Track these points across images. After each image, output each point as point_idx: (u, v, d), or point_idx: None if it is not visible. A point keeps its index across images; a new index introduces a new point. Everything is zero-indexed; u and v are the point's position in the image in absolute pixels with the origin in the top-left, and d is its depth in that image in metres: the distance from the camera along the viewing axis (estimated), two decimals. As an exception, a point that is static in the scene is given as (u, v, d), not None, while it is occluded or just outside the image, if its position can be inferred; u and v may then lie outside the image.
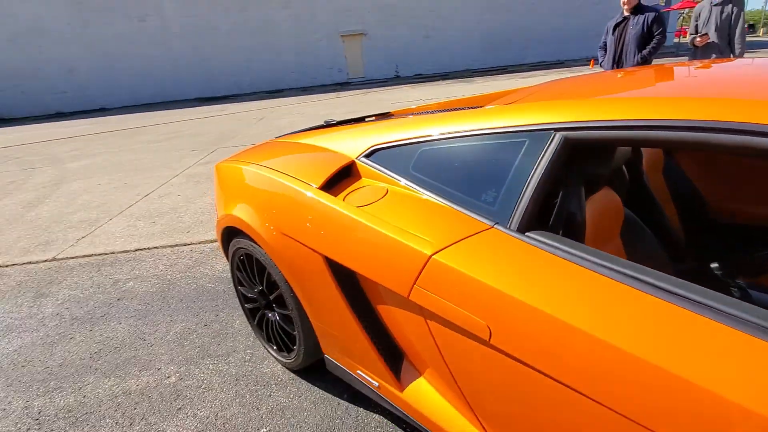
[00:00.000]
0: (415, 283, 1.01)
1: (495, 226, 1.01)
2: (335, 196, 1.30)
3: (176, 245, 3.31)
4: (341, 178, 1.41)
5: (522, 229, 0.97)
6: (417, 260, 1.01)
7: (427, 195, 1.18)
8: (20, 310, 2.57)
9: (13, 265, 3.23)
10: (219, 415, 1.66)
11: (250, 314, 1.99)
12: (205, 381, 1.84)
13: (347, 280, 1.30)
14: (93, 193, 5.07)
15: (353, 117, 2.34)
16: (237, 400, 1.72)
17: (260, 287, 1.80)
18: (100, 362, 2.03)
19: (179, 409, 1.71)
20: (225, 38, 19.36)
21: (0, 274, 3.08)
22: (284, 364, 1.84)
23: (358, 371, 1.44)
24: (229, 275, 2.72)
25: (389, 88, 15.80)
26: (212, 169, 5.59)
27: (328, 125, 2.30)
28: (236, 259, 1.84)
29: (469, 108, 1.33)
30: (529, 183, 0.99)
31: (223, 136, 8.45)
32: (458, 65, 20.16)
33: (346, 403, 1.66)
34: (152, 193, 4.83)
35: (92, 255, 3.27)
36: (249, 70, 20.06)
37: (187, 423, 1.63)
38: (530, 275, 0.88)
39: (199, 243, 3.30)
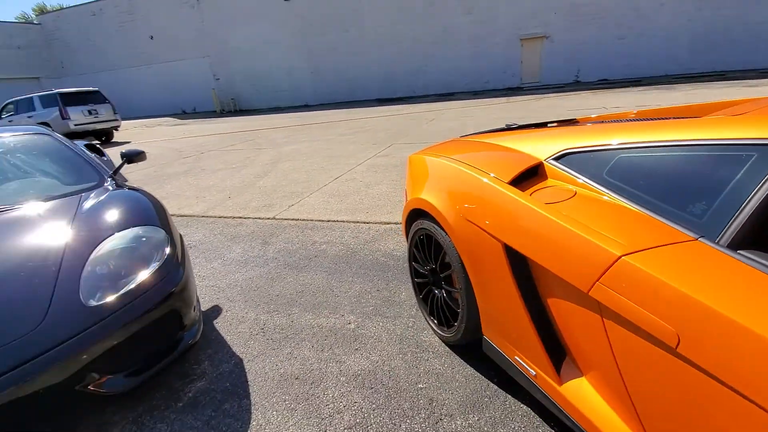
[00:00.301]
0: (598, 280, 1.04)
1: (700, 239, 0.96)
2: (522, 191, 1.39)
3: (358, 222, 3.83)
4: (528, 177, 1.48)
5: (734, 246, 0.91)
6: (604, 258, 1.04)
7: (620, 200, 1.17)
8: (253, 250, 3.38)
9: (249, 218, 4.23)
10: (385, 363, 1.93)
11: (418, 288, 2.23)
12: (376, 334, 2.15)
13: (522, 269, 1.38)
14: (299, 172, 6.17)
15: (534, 122, 2.36)
16: (400, 356, 1.97)
17: (432, 265, 2.00)
18: (302, 300, 2.55)
19: (356, 349, 2.05)
20: (408, 45, 20.70)
21: (240, 223, 4.09)
22: (442, 337, 2.02)
23: (516, 357, 1.51)
24: (399, 253, 3.05)
25: (566, 94, 14.62)
26: (389, 161, 6.17)
27: (510, 128, 2.37)
28: (416, 238, 2.09)
29: (679, 117, 1.25)
30: (750, 200, 0.91)
31: (398, 133, 9.16)
32: (656, 70, 17.32)
33: (495, 387, 1.74)
34: (341, 176, 5.62)
35: (298, 219, 4.04)
36: (424, 74, 21.05)
37: (362, 362, 1.95)
38: (736, 291, 0.83)
39: (376, 223, 3.75)
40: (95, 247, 1.82)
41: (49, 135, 2.88)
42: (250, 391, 1.84)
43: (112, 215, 2.06)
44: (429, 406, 1.66)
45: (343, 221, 3.87)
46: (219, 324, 2.38)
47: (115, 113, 13.93)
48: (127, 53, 26.95)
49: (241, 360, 2.05)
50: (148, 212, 2.14)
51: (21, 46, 27.73)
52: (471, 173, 1.61)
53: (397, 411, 1.65)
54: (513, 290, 1.39)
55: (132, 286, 1.72)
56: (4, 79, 25.89)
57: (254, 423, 1.66)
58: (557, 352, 1.35)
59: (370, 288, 2.62)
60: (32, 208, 2.16)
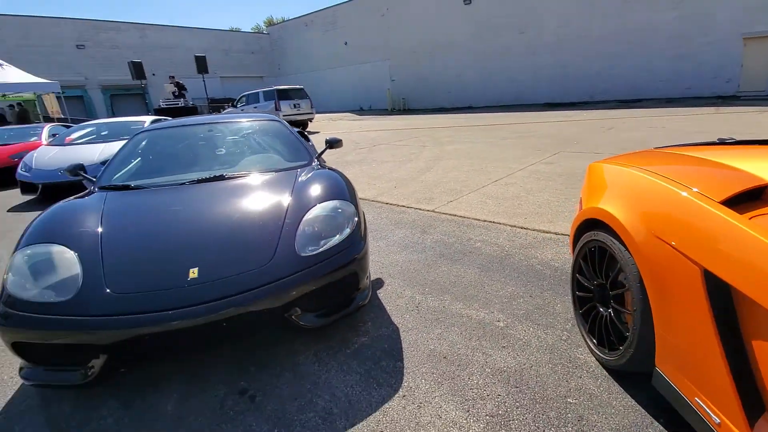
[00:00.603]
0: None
1: None
2: (739, 214, 1.19)
3: (514, 226, 3.73)
4: (747, 199, 1.26)
5: None
6: None
7: None
8: (413, 237, 3.65)
9: (411, 207, 4.55)
10: (533, 367, 1.89)
11: (579, 302, 2.09)
12: (525, 338, 2.11)
13: (722, 300, 1.19)
14: (459, 171, 6.29)
15: (762, 139, 1.93)
16: (549, 366, 1.90)
17: (601, 280, 1.86)
18: (455, 289, 2.66)
19: (503, 347, 2.05)
20: (592, 45, 18.62)
21: (403, 211, 4.43)
22: (600, 359, 1.87)
23: (697, 399, 1.31)
24: (557, 264, 2.88)
25: (810, 106, 11.12)
26: (553, 169, 5.76)
27: (724, 143, 2.01)
28: (585, 249, 1.96)
29: None
30: None
31: (567, 140, 8.43)
32: None
33: (661, 427, 1.54)
34: (500, 180, 5.52)
35: (456, 215, 4.16)
36: (607, 77, 18.66)
37: (508, 359, 1.95)
38: None
39: (534, 230, 3.60)
40: (306, 212, 2.26)
41: (279, 122, 3.63)
42: (404, 356, 2.03)
43: (319, 189, 2.50)
44: (578, 423, 1.58)
45: (500, 223, 3.83)
46: (381, 294, 2.67)
47: (311, 107, 16.43)
48: (326, 57, 31.20)
49: (397, 329, 2.28)
50: (343, 189, 2.53)
51: (254, 51, 34.82)
52: (670, 187, 1.44)
53: (541, 416, 1.62)
54: (707, 323, 1.21)
55: (329, 246, 2.08)
56: (241, 77, 32.83)
57: (405, 384, 1.84)
58: (754, 404, 1.14)
59: (523, 293, 2.56)
60: (266, 175, 2.79)
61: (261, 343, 2.18)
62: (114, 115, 25.22)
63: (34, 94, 16.69)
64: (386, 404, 1.73)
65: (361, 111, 28.05)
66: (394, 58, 27.05)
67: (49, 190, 6.13)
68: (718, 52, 15.75)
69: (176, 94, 14.10)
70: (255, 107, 16.15)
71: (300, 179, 2.64)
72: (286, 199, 2.39)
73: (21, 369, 1.82)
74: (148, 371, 2.03)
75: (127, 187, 2.67)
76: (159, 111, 13.53)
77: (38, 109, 17.19)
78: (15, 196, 6.69)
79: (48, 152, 6.64)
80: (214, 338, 1.86)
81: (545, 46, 20.19)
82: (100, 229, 2.10)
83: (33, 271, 1.85)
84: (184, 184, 2.67)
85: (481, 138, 9.94)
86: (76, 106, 24.17)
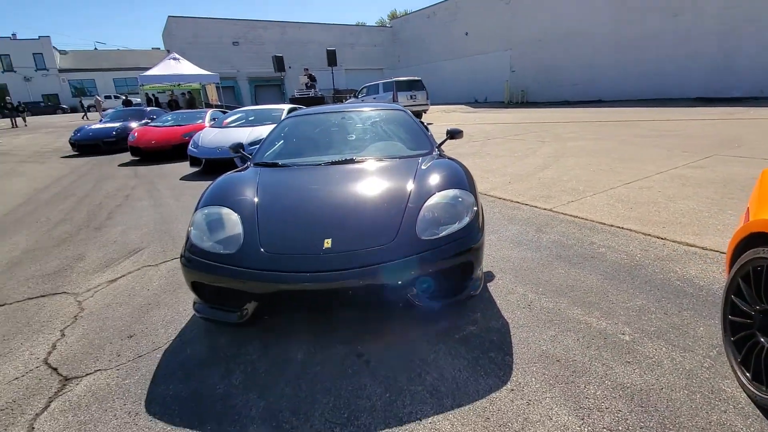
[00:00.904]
0: None
1: None
2: None
3: (649, 234, 3.31)
4: None
5: None
6: None
7: None
8: (527, 234, 3.50)
9: (526, 204, 4.35)
10: (663, 390, 1.69)
11: (732, 328, 1.79)
12: (656, 357, 1.90)
13: None
14: (582, 170, 5.76)
15: None
16: (685, 392, 1.68)
17: (766, 306, 1.57)
18: (572, 294, 2.50)
19: (627, 362, 1.88)
20: (764, 28, 15.09)
21: (517, 208, 4.25)
22: (754, 397, 1.59)
23: None
24: (703, 283, 2.49)
25: None
26: (704, 175, 4.91)
27: None
28: (748, 267, 1.67)
29: None
30: None
31: (724, 142, 7.07)
32: None
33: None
34: (633, 182, 4.91)
35: (577, 216, 3.85)
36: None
37: (633, 376, 1.78)
38: None
39: (674, 241, 3.15)
40: (427, 198, 2.34)
41: (404, 112, 3.77)
42: (513, 352, 2.00)
43: (440, 177, 2.56)
44: (718, 460, 1.38)
45: (630, 230, 3.43)
46: (491, 288, 2.64)
47: (427, 99, 16.53)
48: (445, 48, 30.93)
49: (507, 324, 2.24)
50: (464, 179, 2.55)
51: (376, 44, 36.17)
52: None
53: (671, 443, 1.46)
54: None
55: (447, 233, 2.13)
56: (364, 69, 34.45)
57: (514, 379, 1.81)
58: None
59: (655, 308, 2.29)
60: (391, 161, 2.95)
61: (375, 317, 2.35)
62: (256, 103, 28.78)
63: (200, 84, 19.94)
64: (493, 394, 1.73)
65: (475, 103, 27.28)
66: (516, 47, 25.57)
67: (210, 164, 7.33)
68: None
69: (308, 85, 15.47)
70: (374, 98, 16.86)
71: (422, 167, 2.73)
72: (408, 185, 2.50)
73: (194, 304, 2.27)
74: (284, 324, 2.35)
75: (275, 165, 3.07)
76: (293, 100, 15.03)
77: (202, 97, 20.51)
78: (185, 167, 8.14)
79: (210, 133, 7.92)
80: (339, 303, 2.07)
81: (704, 31, 17.01)
82: (256, 199, 2.47)
83: (209, 227, 2.28)
84: (320, 165, 2.97)
85: (610, 135, 8.91)
86: (228, 95, 28.14)
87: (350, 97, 19.76)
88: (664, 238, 3.21)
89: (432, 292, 2.11)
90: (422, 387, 1.80)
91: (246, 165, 3.27)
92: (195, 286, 2.17)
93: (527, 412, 1.63)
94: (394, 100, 15.78)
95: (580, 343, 2.03)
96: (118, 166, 9.07)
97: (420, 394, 1.76)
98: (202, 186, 6.53)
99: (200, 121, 10.56)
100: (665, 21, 18.21)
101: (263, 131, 7.62)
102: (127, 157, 10.08)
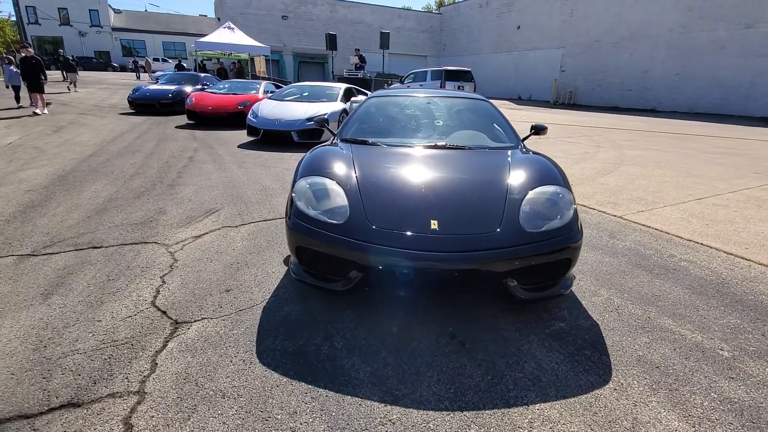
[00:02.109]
0: None
1: None
2: None
3: (731, 254, 3.22)
4: None
5: None
6: None
7: None
8: (600, 239, 3.45)
9: (594, 209, 4.27)
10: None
11: None
12: (761, 377, 1.87)
13: None
14: (647, 180, 5.59)
15: None
16: None
17: None
18: (660, 303, 2.47)
19: (731, 378, 1.86)
20: None
21: (586, 212, 4.19)
22: None
23: None
24: (749, 301, 2.42)
25: None
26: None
27: None
28: None
29: None
30: None
31: (802, 168, 6.68)
32: None
33: None
34: (705, 199, 4.74)
35: (650, 227, 3.76)
36: None
37: (740, 393, 1.77)
38: None
39: (760, 263, 3.05)
40: (527, 192, 2.34)
41: (489, 103, 3.75)
42: (609, 353, 2.01)
43: (536, 172, 2.56)
44: (843, 485, 1.37)
45: (711, 247, 3.34)
46: (573, 288, 2.63)
47: (474, 91, 16.25)
48: (494, 40, 30.14)
49: (597, 325, 2.24)
50: (559, 176, 2.53)
51: (423, 30, 35.56)
52: None
53: (790, 462, 1.45)
54: None
55: (550, 227, 2.14)
56: (407, 54, 34.03)
57: (615, 379, 1.83)
58: None
59: (752, 328, 2.24)
60: (482, 150, 2.96)
61: (464, 301, 2.40)
62: (299, 79, 28.97)
63: (249, 55, 20.20)
64: (597, 391, 1.76)
65: (519, 100, 26.59)
66: (569, 46, 24.65)
67: (268, 135, 7.50)
68: None
69: (357, 65, 15.44)
70: (421, 85, 16.70)
71: (514, 160, 2.73)
72: (504, 177, 2.50)
73: (291, 267, 2.38)
74: (376, 297, 2.43)
75: (365, 142, 3.12)
76: (340, 79, 15.07)
77: (249, 68, 20.79)
78: (240, 135, 8.35)
79: (269, 105, 8.07)
80: (441, 284, 2.12)
81: (781, 45, 15.92)
82: (354, 173, 2.53)
83: (315, 196, 2.36)
84: (411, 147, 3.00)
85: (671, 147, 8.56)
86: (273, 69, 28.40)
87: (392, 83, 19.62)
88: (749, 260, 3.11)
89: (529, 285, 2.14)
90: (522, 374, 1.85)
91: (332, 140, 3.34)
92: (298, 251, 2.27)
93: (635, 412, 1.65)
94: (442, 87, 15.58)
95: (678, 353, 2.02)
96: (175, 127, 9.37)
97: (522, 380, 1.81)
98: (260, 155, 6.83)
99: (254, 92, 10.74)
100: (735, 32, 17.14)
101: (320, 108, 7.72)
102: (181, 119, 10.39)
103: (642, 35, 20.59)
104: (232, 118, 9.68)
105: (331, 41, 16.10)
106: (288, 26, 30.09)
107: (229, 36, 16.85)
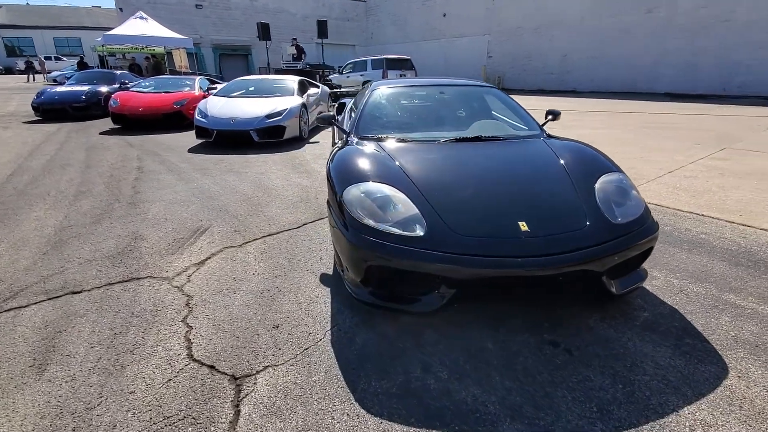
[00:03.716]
0: None
1: None
2: None
3: (734, 222, 3.46)
4: None
5: None
6: None
7: None
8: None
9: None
10: None
11: None
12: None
13: None
14: (616, 157, 5.91)
15: None
16: None
17: None
18: (713, 279, 2.54)
19: (819, 346, 1.93)
20: (736, 31, 16.29)
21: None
22: None
23: None
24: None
25: None
26: (734, 167, 5.20)
27: None
28: None
29: None
30: None
31: (725, 136, 7.57)
32: None
33: None
34: (674, 171, 5.12)
35: (650, 203, 3.94)
36: (747, 69, 16.31)
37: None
38: None
39: (762, 229, 3.31)
40: (594, 181, 2.25)
41: (497, 89, 3.63)
42: (706, 338, 1.99)
43: (590, 159, 2.49)
44: None
45: (713, 218, 3.57)
46: (628, 273, 2.62)
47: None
48: (421, 28, 30.55)
49: (675, 309, 2.23)
50: (612, 162, 2.49)
51: (350, 19, 34.98)
52: None
53: None
54: None
55: (633, 218, 2.07)
56: (335, 44, 33.25)
57: (732, 365, 1.81)
58: None
59: (799, 293, 2.39)
60: (517, 140, 2.83)
61: (540, 302, 2.26)
62: (221, 73, 26.96)
63: (165, 48, 18.28)
64: (726, 382, 1.72)
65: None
66: (494, 33, 25.79)
67: (221, 137, 6.76)
68: None
69: (295, 56, 14.66)
70: (362, 75, 16.36)
71: (555, 147, 2.64)
72: (558, 166, 2.41)
73: (354, 290, 2.06)
74: (450, 312, 2.19)
75: (392, 139, 2.83)
76: (277, 72, 14.20)
77: (166, 63, 18.85)
78: (184, 138, 7.46)
79: (217, 103, 7.27)
80: (541, 289, 1.96)
81: (676, 29, 18.01)
82: (405, 175, 2.25)
83: (378, 206, 2.04)
84: (446, 141, 2.78)
85: (614, 125, 9.26)
86: (191, 62, 26.15)
87: (330, 73, 19.04)
88: (752, 226, 3.37)
89: (626, 281, 2.06)
90: (648, 376, 1.75)
91: (345, 139, 3.00)
92: (369, 271, 1.96)
93: (773, 398, 1.63)
94: (384, 77, 15.41)
95: (763, 328, 2.06)
96: (100, 134, 8.12)
97: (652, 384, 1.71)
98: (222, 160, 6.13)
99: (188, 89, 9.69)
100: (639, 16, 19.06)
101: (278, 104, 7.14)
102: (103, 124, 9.09)
103: (559, 22, 22.12)
104: (167, 120, 8.64)
105: (264, 31, 15.08)
106: (204, 16, 27.79)
107: (143, 27, 15.06)
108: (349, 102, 4.55)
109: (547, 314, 2.17)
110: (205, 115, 6.88)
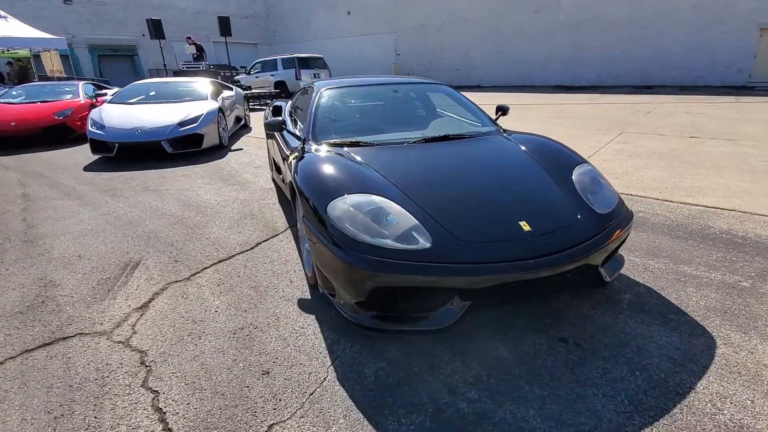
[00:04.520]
0: None
1: None
2: None
3: (658, 198, 3.90)
4: None
5: None
6: None
7: None
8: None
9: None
10: (814, 321, 2.06)
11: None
12: (777, 296, 2.28)
13: None
14: (541, 146, 6.39)
15: None
16: (823, 319, 2.07)
17: None
18: (666, 254, 2.81)
19: None
20: (608, 29, 18.83)
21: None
22: None
23: None
24: (739, 233, 3.05)
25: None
26: (634, 149, 5.91)
27: None
28: None
29: None
30: None
31: (619, 122, 8.65)
32: None
33: None
34: (591, 157, 5.67)
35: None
36: (619, 62, 18.98)
37: (787, 314, 2.11)
38: None
39: (679, 202, 3.77)
40: (569, 174, 2.33)
41: (444, 85, 3.61)
42: (684, 311, 2.17)
43: (557, 152, 2.58)
44: None
45: (641, 196, 3.98)
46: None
47: (329, 77, 16.04)
48: (326, 26, 30.22)
49: (647, 287, 2.40)
50: (577, 155, 2.60)
51: (248, 16, 33.27)
52: None
53: None
54: None
55: (614, 207, 2.17)
56: (236, 43, 31.31)
57: (722, 335, 1.97)
58: None
59: (733, 257, 2.73)
60: (482, 137, 2.83)
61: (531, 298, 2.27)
62: (102, 77, 23.80)
63: (30, 50, 15.55)
64: (719, 351, 1.86)
65: (363, 85, 27.48)
66: (399, 31, 26.51)
67: (125, 150, 5.87)
68: (732, 42, 16.26)
69: (195, 56, 13.45)
70: (273, 75, 15.63)
71: (522, 143, 2.70)
72: (532, 162, 2.45)
73: (354, 316, 1.86)
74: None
75: (357, 144, 2.63)
76: (179, 73, 12.87)
77: (33, 68, 16.03)
78: (74, 155, 6.36)
79: (115, 112, 6.30)
80: (552, 289, 1.94)
81: (561, 26, 20.23)
82: (389, 182, 2.10)
83: (374, 219, 1.86)
84: (416, 142, 2.67)
85: (526, 117, 10.04)
86: (65, 66, 22.66)
87: (235, 74, 17.89)
88: (673, 201, 3.82)
89: (613, 267, 2.14)
90: (657, 358, 1.83)
91: (302, 146, 2.74)
92: (372, 294, 1.77)
93: (760, 359, 1.80)
94: (297, 78, 14.92)
95: (723, 294, 2.30)
96: (-46, 157, 6.56)
97: (664, 365, 1.79)
98: (132, 177, 5.32)
99: (70, 96, 8.32)
100: (529, 16, 21.04)
101: (192, 109, 6.44)
102: (-43, 144, 7.36)
103: (460, 20, 23.49)
104: (48, 134, 7.31)
105: (156, 28, 13.54)
106: (74, 12, 24.24)
107: (3, 27, 12.55)
108: (285, 105, 4.22)
109: (544, 309, 2.18)
110: (101, 126, 5.91)
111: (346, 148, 2.57)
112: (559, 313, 2.16)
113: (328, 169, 2.22)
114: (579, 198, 2.16)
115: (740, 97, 13.32)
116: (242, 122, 8.89)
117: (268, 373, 1.81)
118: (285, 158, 2.97)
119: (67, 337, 2.08)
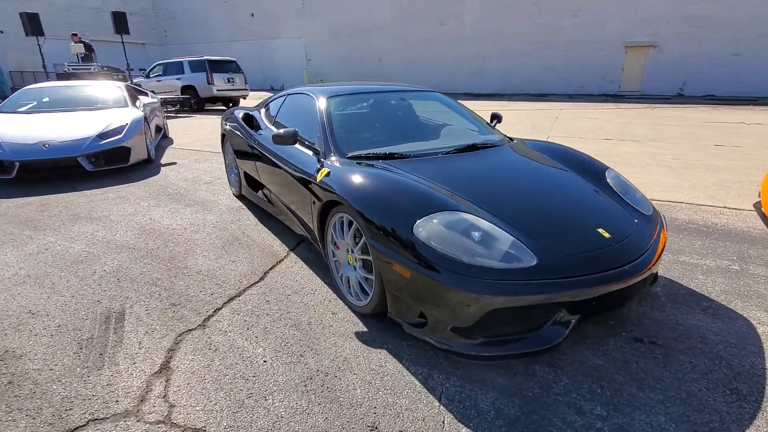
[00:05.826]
0: None
1: None
2: None
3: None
4: None
5: None
6: None
7: None
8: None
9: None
10: (801, 294, 2.46)
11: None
12: None
13: None
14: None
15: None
16: (804, 292, 2.50)
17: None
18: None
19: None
20: (508, 42, 20.86)
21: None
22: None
23: None
24: (700, 222, 3.54)
25: (675, 106, 14.42)
26: (581, 146, 6.57)
27: None
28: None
29: None
30: None
31: (538, 127, 9.60)
32: (770, 90, 16.74)
33: None
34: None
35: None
36: (519, 72, 21.16)
37: (781, 291, 2.49)
38: None
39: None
40: (604, 178, 2.46)
41: (438, 93, 3.58)
42: (711, 297, 2.42)
43: (585, 159, 2.71)
44: None
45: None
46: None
47: (245, 83, 15.08)
48: (228, 28, 28.45)
49: (671, 279, 2.65)
50: (596, 160, 2.77)
51: (133, 13, 29.74)
52: None
53: None
54: None
55: (652, 209, 2.35)
56: (118, 42, 27.86)
57: (751, 318, 2.24)
58: None
59: (714, 243, 3.16)
60: (501, 145, 2.85)
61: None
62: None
63: None
64: (759, 330, 2.11)
65: (272, 90, 26.50)
66: (309, 36, 26.11)
67: (29, 170, 4.75)
68: (605, 57, 19.19)
69: (83, 56, 11.56)
70: (179, 79, 14.16)
71: (543, 150, 2.81)
72: (567, 170, 2.55)
73: (463, 345, 1.72)
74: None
75: (390, 156, 2.45)
76: (64, 76, 10.90)
77: None
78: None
79: (9, 123, 5.06)
80: (637, 292, 2.01)
81: (466, 39, 21.84)
82: (459, 197, 2.00)
83: (473, 239, 1.73)
84: (448, 153, 2.59)
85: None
86: None
87: (133, 77, 15.89)
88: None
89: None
90: (722, 345, 2.00)
91: (322, 160, 2.49)
92: (485, 318, 1.65)
93: (793, 334, 2.08)
94: (209, 83, 13.77)
95: (730, 280, 2.64)
96: None
97: (730, 351, 1.96)
98: (44, 204, 4.51)
99: None
100: (437, 27, 22.34)
101: (112, 118, 5.52)
102: None
103: (371, 28, 23.97)
104: None
105: (34, 23, 11.30)
106: None
107: None
108: (258, 115, 3.80)
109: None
110: (-9, 142, 4.72)
111: (381, 161, 2.38)
112: (615, 313, 2.25)
113: (391, 186, 2.03)
114: (625, 202, 2.29)
115: (617, 103, 15.72)
116: (162, 132, 7.87)
117: (376, 427, 1.56)
118: (292, 174, 2.67)
119: (78, 429, 1.56)
